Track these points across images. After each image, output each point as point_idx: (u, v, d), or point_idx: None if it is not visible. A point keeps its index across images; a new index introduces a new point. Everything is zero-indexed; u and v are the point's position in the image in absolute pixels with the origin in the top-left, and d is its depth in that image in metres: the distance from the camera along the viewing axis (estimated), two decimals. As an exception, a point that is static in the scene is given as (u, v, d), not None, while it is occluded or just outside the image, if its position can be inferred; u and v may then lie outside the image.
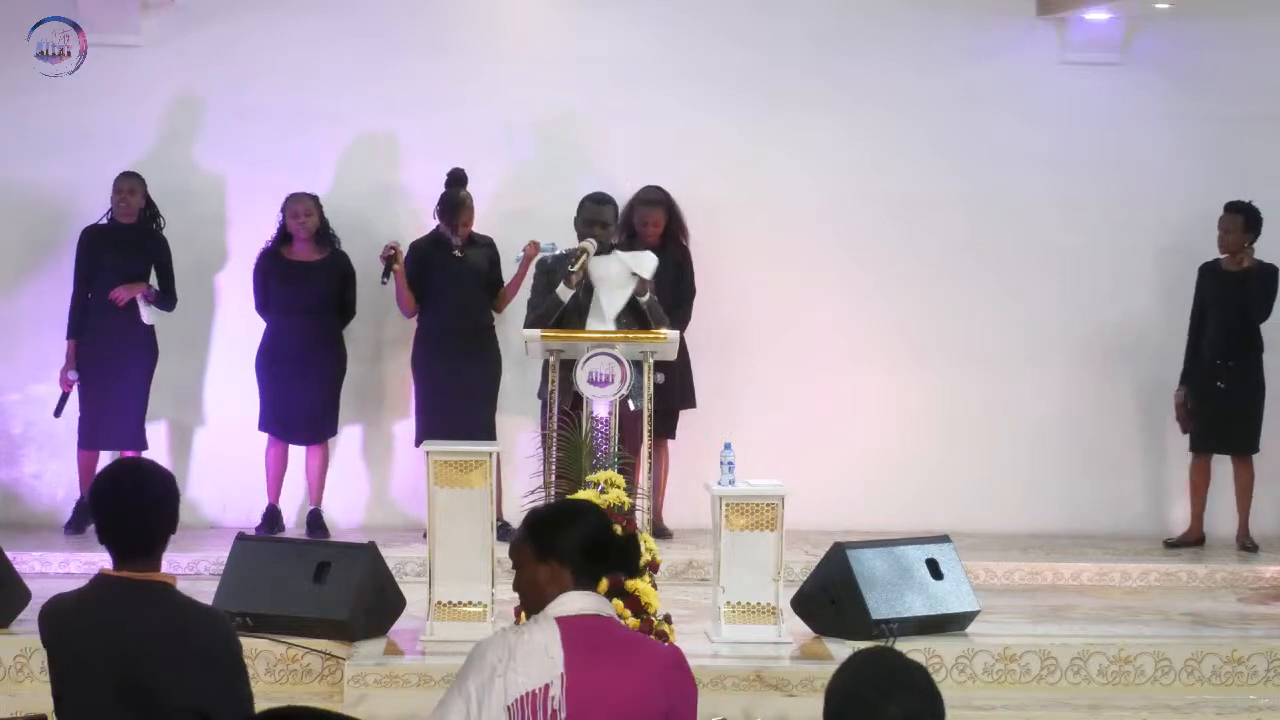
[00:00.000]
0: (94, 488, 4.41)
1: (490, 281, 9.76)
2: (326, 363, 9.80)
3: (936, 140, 10.52)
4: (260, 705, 7.35)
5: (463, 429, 8.79)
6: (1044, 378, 10.60)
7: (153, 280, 9.76)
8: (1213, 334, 9.98)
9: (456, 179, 9.67)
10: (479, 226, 9.79)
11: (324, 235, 9.83)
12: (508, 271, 9.72)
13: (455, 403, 9.49)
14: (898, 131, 10.51)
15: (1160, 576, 9.48)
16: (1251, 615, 8.64)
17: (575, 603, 4.15)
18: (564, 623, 4.10)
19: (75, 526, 9.63)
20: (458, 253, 9.69)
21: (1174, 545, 10.04)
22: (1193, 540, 10.07)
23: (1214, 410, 9.95)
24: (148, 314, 9.72)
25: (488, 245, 9.79)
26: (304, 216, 9.74)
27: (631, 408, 8.04)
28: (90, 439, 9.72)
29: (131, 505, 4.31)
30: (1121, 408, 10.35)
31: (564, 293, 8.37)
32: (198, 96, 10.25)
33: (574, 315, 8.38)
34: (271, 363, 9.76)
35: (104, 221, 9.80)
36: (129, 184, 9.77)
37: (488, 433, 9.33)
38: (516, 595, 4.32)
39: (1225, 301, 9.95)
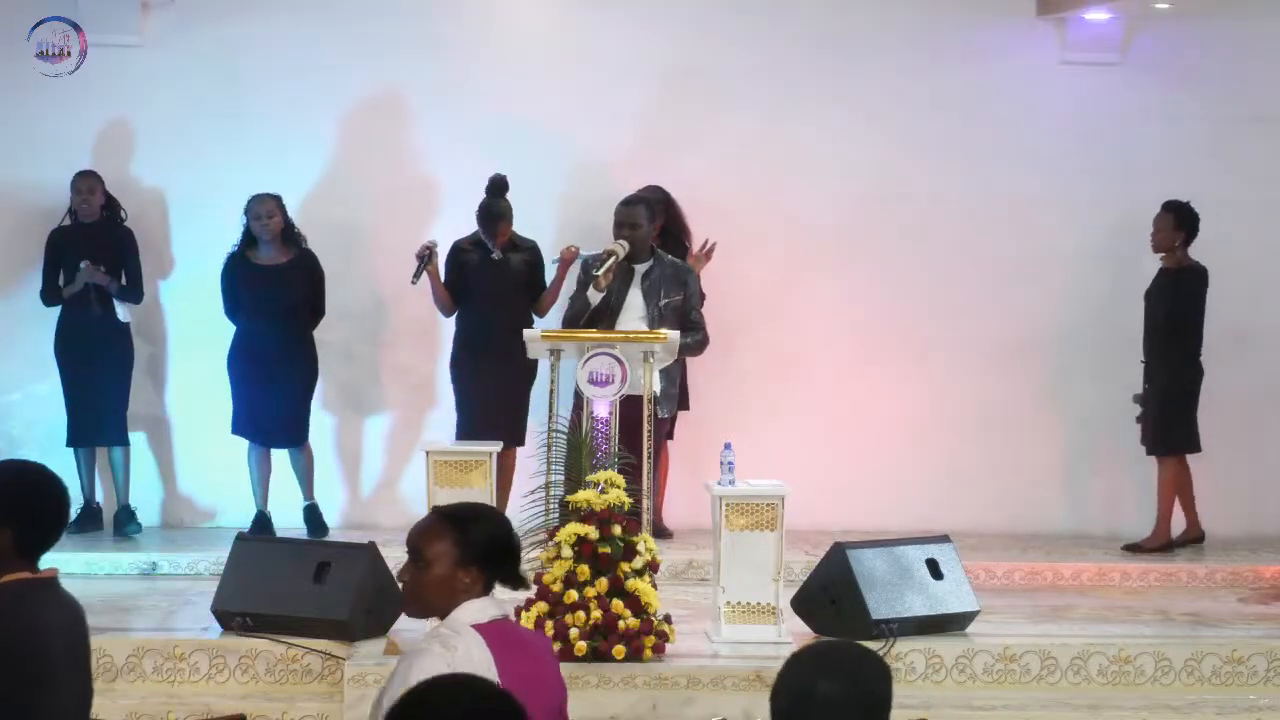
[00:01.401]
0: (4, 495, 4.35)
1: (530, 285, 9.62)
2: (299, 366, 9.69)
3: (937, 140, 10.52)
4: (261, 706, 7.33)
5: (493, 429, 8.72)
6: (1044, 377, 10.60)
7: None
8: (1145, 334, 9.98)
9: (497, 186, 9.53)
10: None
11: (289, 235, 9.69)
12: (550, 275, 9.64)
13: (489, 403, 9.41)
14: (898, 131, 10.50)
15: (1160, 576, 9.48)
16: (1251, 615, 8.64)
17: (487, 609, 4.17)
18: (483, 630, 4.11)
19: (78, 526, 9.60)
20: (495, 255, 9.59)
21: (1178, 545, 10.02)
22: (1192, 539, 10.06)
23: (1146, 410, 9.97)
24: (123, 311, 9.75)
25: (529, 249, 9.67)
26: (266, 218, 9.60)
27: (662, 414, 8.02)
28: (76, 437, 9.78)
29: (48, 507, 4.37)
30: (1122, 408, 10.32)
31: (592, 295, 8.36)
32: (197, 96, 10.24)
33: (605, 316, 8.37)
34: (243, 367, 9.65)
35: (67, 223, 9.82)
36: (88, 183, 9.76)
37: (517, 434, 9.29)
38: (434, 588, 4.21)
39: (1152, 301, 9.95)
